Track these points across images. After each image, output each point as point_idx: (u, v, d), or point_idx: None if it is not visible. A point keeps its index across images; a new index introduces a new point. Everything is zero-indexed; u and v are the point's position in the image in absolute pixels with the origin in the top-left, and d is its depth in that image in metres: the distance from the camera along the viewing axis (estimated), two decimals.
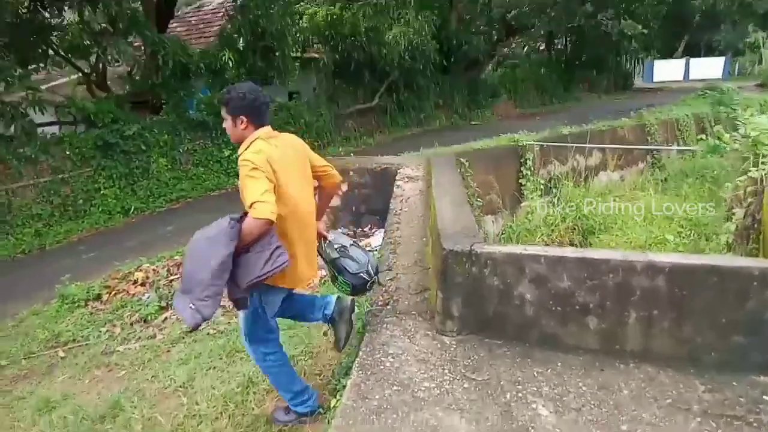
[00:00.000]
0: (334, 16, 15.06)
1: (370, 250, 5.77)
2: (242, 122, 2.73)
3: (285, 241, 2.67)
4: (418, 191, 5.65)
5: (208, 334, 4.70)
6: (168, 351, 4.58)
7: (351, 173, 6.79)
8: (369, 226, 6.72)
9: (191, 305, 2.44)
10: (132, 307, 5.59)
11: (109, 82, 12.60)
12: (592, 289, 2.74)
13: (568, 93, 25.55)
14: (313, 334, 3.94)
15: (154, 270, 6.43)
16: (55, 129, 11.57)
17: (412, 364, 2.81)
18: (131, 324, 5.31)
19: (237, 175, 9.15)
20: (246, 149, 2.70)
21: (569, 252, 2.86)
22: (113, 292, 6.04)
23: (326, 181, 3.11)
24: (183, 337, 4.76)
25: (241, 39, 12.04)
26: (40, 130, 10.90)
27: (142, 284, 6.12)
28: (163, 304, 5.54)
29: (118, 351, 4.81)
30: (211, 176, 11.92)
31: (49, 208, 9.46)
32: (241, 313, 2.93)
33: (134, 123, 10.47)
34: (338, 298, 3.21)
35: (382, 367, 2.81)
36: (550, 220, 7.78)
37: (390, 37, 16.54)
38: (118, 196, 10.24)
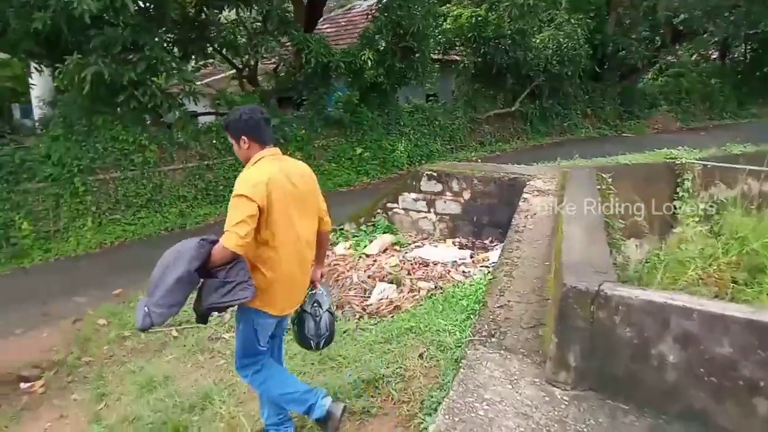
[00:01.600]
0: (479, 18, 14.56)
1: (484, 266, 5.29)
2: (245, 142, 2.73)
3: (267, 266, 2.64)
4: (547, 207, 5.03)
5: None
6: None
7: (475, 181, 6.32)
8: (490, 239, 6.20)
9: (146, 308, 2.47)
10: None
11: (260, 78, 13.39)
12: (764, 363, 2.04)
13: (744, 108, 22.36)
14: (408, 355, 3.58)
15: None
16: (212, 119, 12.55)
17: (510, 418, 2.33)
18: None
19: (366, 173, 9.01)
20: (250, 168, 2.70)
21: (735, 310, 2.17)
22: None
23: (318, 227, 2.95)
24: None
25: (382, 39, 12.03)
26: (201, 119, 11.90)
27: None
28: None
29: (223, 338, 4.85)
30: (342, 172, 12.11)
31: (194, 191, 10.20)
32: (236, 339, 2.86)
33: (274, 117, 10.93)
34: (333, 402, 2.93)
35: (474, 414, 2.36)
36: (708, 251, 6.60)
37: (537, 40, 15.67)
38: None
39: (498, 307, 3.41)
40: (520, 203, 5.23)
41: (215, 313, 2.73)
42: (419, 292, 4.78)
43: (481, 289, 3.99)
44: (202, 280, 2.59)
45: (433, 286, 4.86)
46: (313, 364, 3.92)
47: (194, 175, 10.24)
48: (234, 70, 12.78)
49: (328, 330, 3.02)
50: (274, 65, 12.96)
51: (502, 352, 2.89)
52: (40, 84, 11.85)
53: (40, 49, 8.91)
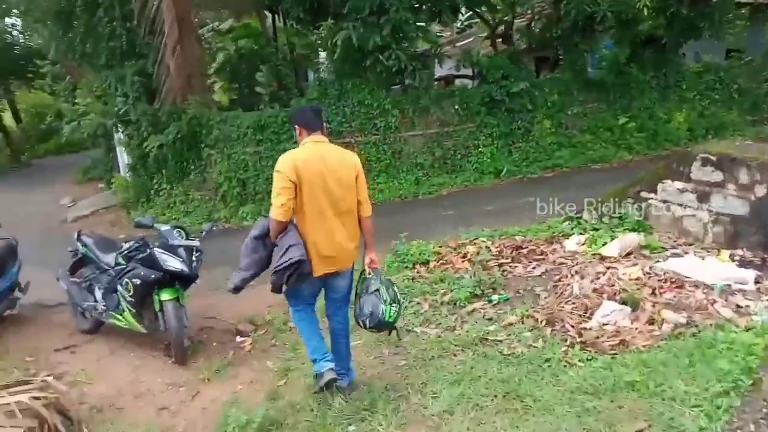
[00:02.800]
0: None
1: None
2: (297, 129, 3.25)
3: (302, 235, 3.07)
4: None
5: (500, 352, 3.74)
6: (454, 355, 3.87)
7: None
8: None
9: (234, 273, 3.29)
10: (449, 284, 5.09)
11: (517, 37, 12.37)
12: None
13: None
14: (619, 425, 2.52)
15: (486, 247, 5.79)
16: (468, 82, 12.12)
17: None
18: (441, 304, 4.81)
19: (629, 148, 9.66)
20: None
21: None
22: (440, 261, 5.69)
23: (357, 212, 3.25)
24: (476, 344, 3.95)
25: None
26: (457, 82, 11.51)
27: (470, 260, 5.56)
28: (477, 291, 4.83)
29: (414, 332, 4.38)
30: (597, 145, 10.48)
31: (431, 158, 9.97)
32: None
33: (522, 80, 9.87)
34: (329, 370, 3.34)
35: None
36: None
37: None
38: (494, 155, 10.03)
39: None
40: None
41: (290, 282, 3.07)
42: (661, 325, 3.49)
43: (758, 349, 2.61)
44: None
45: (683, 321, 3.49)
46: (495, 397, 3.14)
47: (433, 142, 9.98)
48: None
49: (370, 311, 3.21)
50: (528, 21, 11.73)
51: None
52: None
53: (305, 16, 9.53)
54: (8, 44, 21.39)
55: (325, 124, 3.34)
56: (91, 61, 10.72)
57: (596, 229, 5.67)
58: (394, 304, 3.24)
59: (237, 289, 3.30)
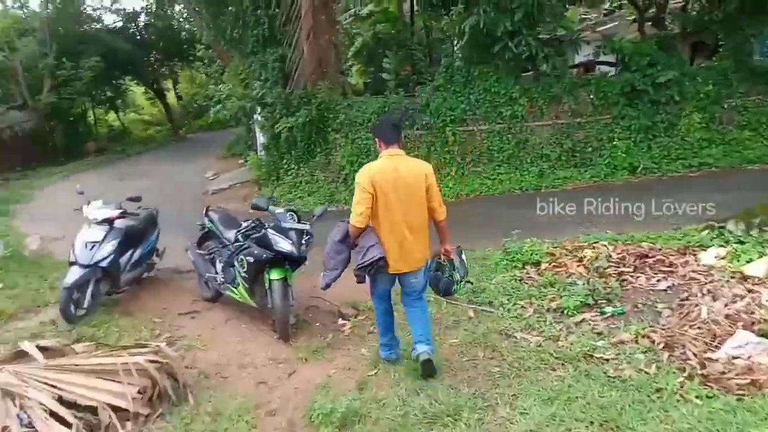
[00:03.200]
0: None
1: None
2: (378, 143, 3.62)
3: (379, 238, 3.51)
4: None
5: (605, 373, 3.43)
6: (553, 369, 3.61)
7: None
8: None
9: (323, 273, 3.73)
10: (558, 290, 4.77)
11: (669, 20, 11.15)
12: None
13: None
14: None
15: (607, 252, 5.33)
16: (609, 69, 11.25)
17: None
18: (547, 310, 4.52)
19: None
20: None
21: None
22: (553, 263, 5.35)
23: (430, 214, 3.60)
24: (578, 359, 3.66)
25: None
26: (597, 69, 10.73)
27: (585, 265, 5.16)
28: (589, 300, 4.47)
29: (514, 338, 4.16)
30: (758, 144, 9.18)
31: (558, 150, 9.39)
32: None
33: (671, 69, 8.86)
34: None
35: None
36: None
37: None
38: (629, 150, 9.18)
39: None
40: None
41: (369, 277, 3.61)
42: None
43: None
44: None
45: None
46: (590, 424, 2.88)
47: (562, 133, 9.39)
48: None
49: (444, 289, 3.96)
50: (683, 2, 10.47)
51: None
52: None
53: (438, 0, 9.40)
54: (175, 30, 23.94)
55: (401, 135, 3.74)
56: (238, 47, 11.55)
57: (741, 243, 4.98)
58: (463, 280, 3.96)
59: (327, 287, 3.76)
